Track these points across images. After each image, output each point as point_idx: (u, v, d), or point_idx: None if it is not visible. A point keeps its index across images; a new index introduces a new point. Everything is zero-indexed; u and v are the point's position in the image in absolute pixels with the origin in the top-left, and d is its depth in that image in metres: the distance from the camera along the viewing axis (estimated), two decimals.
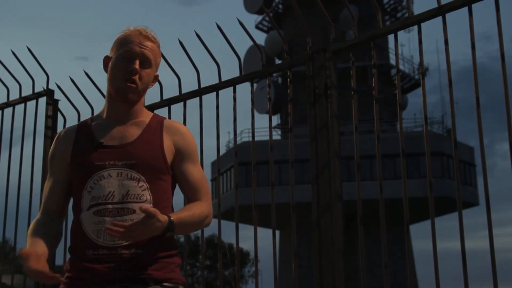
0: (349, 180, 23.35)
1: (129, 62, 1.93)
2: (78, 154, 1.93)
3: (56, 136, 2.05)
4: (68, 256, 1.95)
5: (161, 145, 1.95)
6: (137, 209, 1.84)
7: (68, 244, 1.95)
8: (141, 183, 1.88)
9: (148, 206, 1.83)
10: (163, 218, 1.77)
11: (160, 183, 1.92)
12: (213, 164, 27.84)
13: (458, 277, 2.47)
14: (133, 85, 1.93)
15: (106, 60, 2.01)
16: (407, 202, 2.53)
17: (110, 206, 1.84)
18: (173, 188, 2.02)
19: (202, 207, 1.95)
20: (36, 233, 1.90)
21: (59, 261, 3.63)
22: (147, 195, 1.88)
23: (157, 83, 3.47)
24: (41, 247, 1.83)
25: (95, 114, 2.10)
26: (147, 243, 1.84)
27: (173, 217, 1.81)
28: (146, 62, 1.96)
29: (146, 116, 2.02)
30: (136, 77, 1.93)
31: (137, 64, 1.93)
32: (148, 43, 1.97)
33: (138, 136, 1.94)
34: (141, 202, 1.86)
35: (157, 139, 1.96)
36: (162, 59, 2.10)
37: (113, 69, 1.95)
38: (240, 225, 3.07)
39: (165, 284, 1.87)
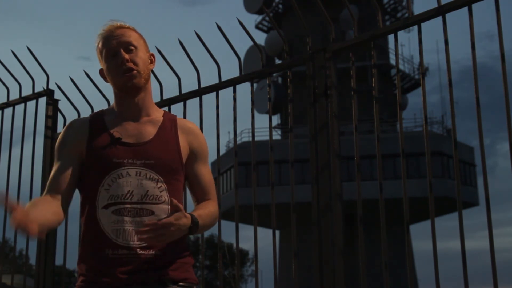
0: (349, 180, 23.33)
1: (115, 57, 1.91)
2: (95, 148, 1.88)
3: (68, 125, 1.99)
4: (67, 255, 1.93)
5: (178, 145, 1.94)
6: (155, 210, 1.84)
7: (68, 244, 1.93)
8: (159, 184, 1.86)
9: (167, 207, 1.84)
10: (188, 215, 1.77)
11: (175, 183, 1.91)
12: (213, 164, 27.79)
13: (458, 277, 2.47)
14: (133, 72, 1.90)
15: (101, 72, 2.00)
16: (407, 202, 2.53)
17: (128, 205, 1.82)
18: (184, 188, 2.02)
19: (215, 206, 1.98)
20: (35, 204, 1.79)
21: (59, 261, 3.62)
22: (165, 196, 1.86)
23: (157, 83, 3.47)
24: (34, 214, 1.65)
25: None
26: (163, 244, 1.83)
27: (195, 214, 1.82)
28: (129, 47, 1.93)
29: (158, 113, 2.00)
30: (131, 64, 1.90)
31: (123, 54, 1.90)
32: (121, 31, 1.94)
33: (155, 135, 1.92)
34: (160, 203, 1.85)
35: (173, 139, 1.94)
36: (162, 59, 2.09)
37: (109, 73, 1.94)
38: (240, 225, 3.06)
39: (181, 284, 1.87)
